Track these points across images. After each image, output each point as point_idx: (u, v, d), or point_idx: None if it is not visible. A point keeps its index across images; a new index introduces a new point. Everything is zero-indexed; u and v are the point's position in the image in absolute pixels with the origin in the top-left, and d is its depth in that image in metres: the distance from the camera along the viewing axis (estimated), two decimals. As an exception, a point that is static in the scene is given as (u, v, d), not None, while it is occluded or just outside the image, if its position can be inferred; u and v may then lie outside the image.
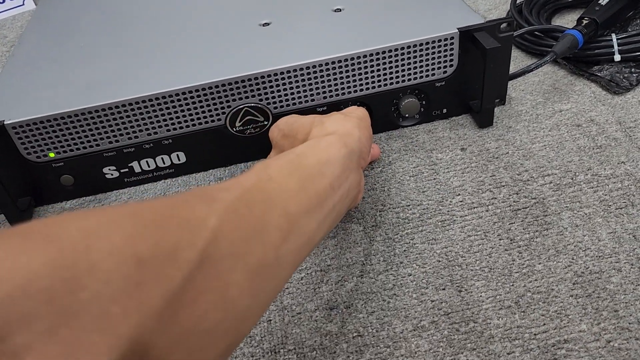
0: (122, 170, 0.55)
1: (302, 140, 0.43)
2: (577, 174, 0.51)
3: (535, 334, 0.40)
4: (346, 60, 0.52)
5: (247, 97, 0.52)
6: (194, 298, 0.24)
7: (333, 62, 0.52)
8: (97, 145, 0.52)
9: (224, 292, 0.26)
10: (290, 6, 0.63)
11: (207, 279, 0.25)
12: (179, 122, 0.53)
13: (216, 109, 0.53)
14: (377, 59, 0.53)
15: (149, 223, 0.24)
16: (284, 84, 0.52)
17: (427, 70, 0.55)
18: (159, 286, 0.23)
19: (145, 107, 0.51)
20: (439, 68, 0.55)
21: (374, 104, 0.56)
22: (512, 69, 0.59)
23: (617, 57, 0.62)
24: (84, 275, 0.20)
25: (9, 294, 0.18)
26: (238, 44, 0.56)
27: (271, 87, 0.52)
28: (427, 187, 0.52)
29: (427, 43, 0.53)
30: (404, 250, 0.46)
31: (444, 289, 0.43)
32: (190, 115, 0.52)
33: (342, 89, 0.54)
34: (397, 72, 0.54)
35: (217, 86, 0.51)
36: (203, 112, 0.52)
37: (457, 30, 0.53)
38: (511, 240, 0.46)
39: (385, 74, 0.54)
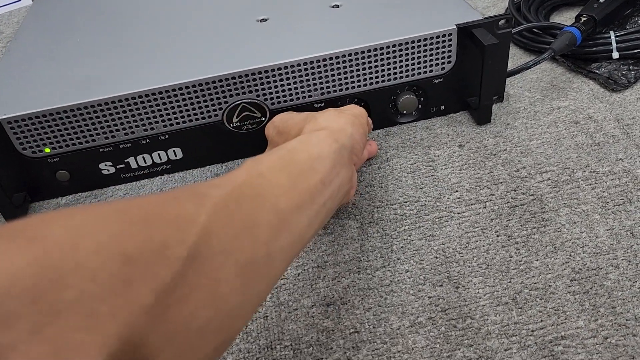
0: (118, 166, 0.54)
1: (295, 136, 0.42)
2: (575, 171, 0.51)
3: (532, 331, 0.39)
4: (344, 56, 0.52)
5: (244, 93, 0.52)
6: (184, 295, 0.24)
7: (331, 58, 0.52)
8: (93, 140, 0.52)
9: (214, 289, 0.26)
10: (288, 2, 0.62)
11: (197, 276, 0.25)
12: (176, 118, 0.52)
13: (213, 105, 0.52)
14: (375, 55, 0.53)
15: (136, 220, 0.24)
16: (281, 80, 0.52)
17: (425, 67, 0.55)
18: (148, 284, 0.22)
19: (142, 102, 0.51)
20: (437, 64, 0.55)
21: (372, 101, 0.56)
22: (510, 66, 0.59)
23: (616, 55, 0.62)
24: (69, 274, 0.20)
25: None
26: (235, 39, 0.56)
27: (268, 83, 0.52)
28: (425, 183, 0.52)
29: (425, 39, 0.53)
30: (401, 247, 0.46)
31: (441, 286, 0.43)
32: (187, 111, 0.52)
33: (340, 85, 0.54)
34: (395, 68, 0.54)
35: (214, 82, 0.51)
36: (200, 107, 0.52)
37: (455, 27, 0.53)
38: (509, 236, 0.46)
39: (383, 71, 0.54)
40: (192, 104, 0.52)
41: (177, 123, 0.53)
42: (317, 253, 0.47)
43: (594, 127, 0.56)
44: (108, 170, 0.55)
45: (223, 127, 0.54)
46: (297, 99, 0.54)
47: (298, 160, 0.36)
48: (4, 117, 0.49)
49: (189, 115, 0.52)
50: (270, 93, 0.53)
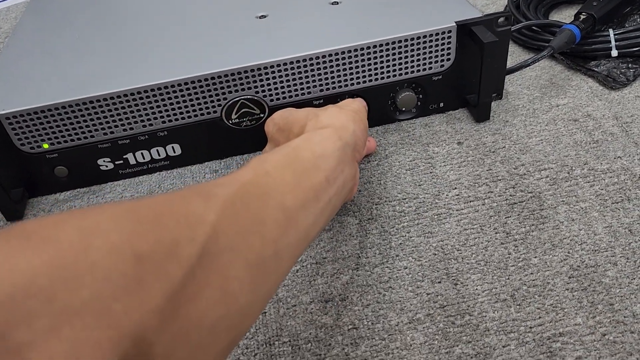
0: (116, 162, 0.54)
1: (298, 134, 0.43)
2: (574, 168, 0.51)
3: (530, 327, 0.40)
4: (343, 53, 0.52)
5: (243, 90, 0.52)
6: (195, 294, 0.24)
7: (330, 55, 0.52)
8: (92, 136, 0.52)
9: (224, 287, 0.26)
10: (287, -1, 0.62)
11: (208, 275, 0.25)
12: (175, 114, 0.52)
13: (212, 101, 0.52)
14: (374, 52, 0.53)
15: (146, 220, 0.24)
16: (280, 77, 0.52)
17: (425, 64, 0.55)
18: (160, 283, 0.23)
19: (141, 98, 0.50)
20: (436, 62, 0.55)
21: (371, 98, 0.56)
22: (509, 63, 0.58)
23: (614, 53, 0.62)
24: (83, 274, 0.20)
25: (9, 294, 0.19)
26: (235, 36, 0.56)
27: (267, 79, 0.52)
28: (424, 180, 0.52)
29: (425, 36, 0.53)
30: (400, 244, 0.46)
31: (439, 282, 0.43)
32: (186, 107, 0.52)
33: (339, 82, 0.54)
34: (394, 65, 0.54)
35: (213, 78, 0.51)
36: (199, 104, 0.52)
37: (454, 24, 0.53)
38: (507, 233, 0.46)
39: (382, 68, 0.54)
40: (191, 100, 0.52)
41: (176, 119, 0.53)
42: (315, 249, 0.47)
43: (593, 124, 0.56)
44: (106, 166, 0.55)
45: (222, 124, 0.54)
46: (297, 95, 0.54)
47: (303, 159, 0.36)
48: (2, 112, 0.49)
49: (187, 112, 0.52)
50: (270, 90, 0.53)
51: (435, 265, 0.44)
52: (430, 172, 0.52)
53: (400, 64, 0.54)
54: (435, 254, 0.45)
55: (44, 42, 0.59)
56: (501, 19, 0.54)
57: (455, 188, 0.51)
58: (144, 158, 0.55)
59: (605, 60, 0.63)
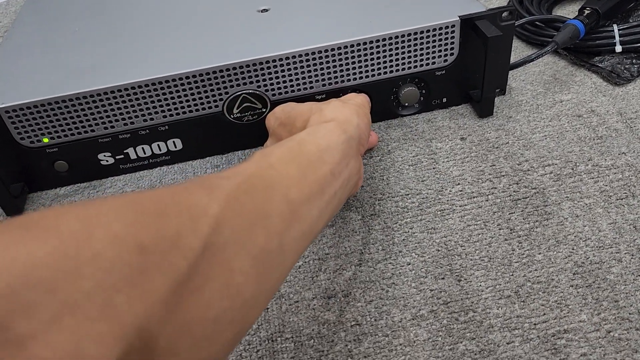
0: (117, 157, 0.54)
1: (301, 128, 0.42)
2: (578, 164, 0.51)
3: (535, 324, 0.39)
4: (346, 47, 0.52)
5: (245, 84, 0.52)
6: (199, 286, 0.24)
7: (332, 49, 0.51)
8: (92, 130, 0.51)
9: (228, 280, 0.26)
10: (289, -8, 0.62)
11: (212, 267, 0.25)
12: (176, 108, 0.52)
13: (213, 96, 0.52)
14: (377, 47, 0.52)
15: (149, 211, 0.24)
16: (282, 71, 0.52)
17: (428, 59, 0.54)
18: (163, 274, 0.22)
19: (142, 92, 0.50)
20: (439, 56, 0.54)
21: (374, 93, 0.55)
22: (513, 59, 0.58)
23: (619, 48, 0.62)
24: (86, 265, 0.20)
25: (9, 284, 0.18)
26: (236, 29, 0.56)
27: (269, 73, 0.51)
28: (427, 176, 0.51)
29: (428, 31, 0.52)
30: (403, 239, 0.46)
31: (443, 278, 0.43)
32: (187, 101, 0.52)
33: (342, 76, 0.53)
34: (397, 60, 0.54)
35: (214, 72, 0.50)
36: (200, 98, 0.52)
37: (458, 18, 0.53)
38: (511, 230, 0.46)
39: (385, 62, 0.53)
40: (192, 94, 0.51)
41: (177, 114, 0.52)
42: (318, 245, 0.46)
43: (597, 120, 0.55)
44: (107, 161, 0.54)
45: (223, 118, 0.53)
46: (299, 90, 0.53)
47: (307, 152, 0.36)
48: (2, 106, 0.48)
49: (189, 106, 0.52)
50: (272, 84, 0.52)
51: (439, 261, 0.44)
52: (433, 168, 0.52)
53: (403, 58, 0.54)
54: (438, 250, 0.45)
55: (44, 36, 0.59)
56: (505, 14, 0.53)
57: (459, 184, 0.50)
58: (144, 153, 0.54)
59: (609, 55, 0.62)
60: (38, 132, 0.50)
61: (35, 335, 0.18)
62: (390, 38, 0.52)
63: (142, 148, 0.54)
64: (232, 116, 0.53)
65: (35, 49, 0.56)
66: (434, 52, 0.54)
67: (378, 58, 0.53)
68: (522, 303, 0.41)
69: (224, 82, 0.51)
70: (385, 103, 0.57)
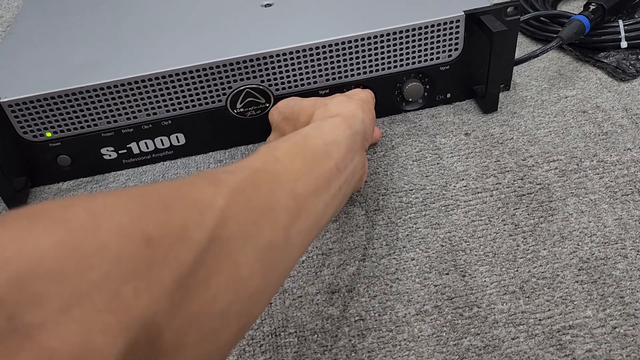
0: (120, 151, 0.54)
1: (305, 123, 0.42)
2: (583, 160, 0.51)
3: (540, 320, 0.39)
4: (349, 42, 0.51)
5: (248, 79, 0.51)
6: (204, 279, 0.24)
7: (336, 44, 0.51)
8: (95, 125, 0.51)
9: (234, 273, 0.26)
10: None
11: (217, 260, 0.25)
12: (179, 103, 0.52)
13: (217, 90, 0.52)
14: (381, 42, 0.52)
15: (156, 204, 0.24)
16: (286, 66, 0.51)
17: (432, 54, 0.54)
18: (170, 267, 0.22)
19: (145, 86, 0.50)
20: (443, 52, 0.54)
21: (377, 88, 0.55)
22: (517, 54, 0.58)
23: (624, 44, 0.62)
24: (93, 256, 0.20)
25: (18, 274, 0.18)
26: (240, 24, 0.55)
27: (273, 68, 0.51)
28: (431, 171, 0.51)
29: (433, 26, 0.52)
30: (407, 235, 0.46)
31: (447, 274, 0.43)
32: (191, 96, 0.51)
33: (345, 71, 0.53)
34: (401, 55, 0.53)
35: (218, 66, 0.50)
36: (203, 93, 0.51)
37: (463, 13, 0.52)
38: (516, 225, 0.46)
39: (389, 57, 0.53)
40: (195, 89, 0.51)
41: (180, 108, 0.52)
42: (322, 240, 0.46)
43: (602, 116, 0.55)
44: (110, 156, 0.54)
45: (227, 113, 0.53)
46: (302, 85, 0.53)
47: (313, 146, 0.36)
48: (5, 100, 0.48)
49: (192, 101, 0.52)
50: (275, 79, 0.52)
51: (443, 256, 0.44)
52: (438, 163, 0.52)
53: (407, 53, 0.53)
54: (442, 246, 0.45)
55: (47, 30, 0.59)
56: (510, 9, 0.53)
57: (463, 179, 0.50)
58: (147, 147, 0.54)
59: (614, 51, 0.62)
60: (41, 126, 0.50)
61: (43, 325, 0.18)
62: (395, 33, 0.52)
63: (145, 143, 0.54)
64: (235, 111, 0.53)
65: (38, 43, 0.56)
66: (438, 47, 0.54)
67: (382, 53, 0.53)
68: (527, 299, 0.40)
69: (227, 76, 0.51)
70: (389, 98, 0.57)
